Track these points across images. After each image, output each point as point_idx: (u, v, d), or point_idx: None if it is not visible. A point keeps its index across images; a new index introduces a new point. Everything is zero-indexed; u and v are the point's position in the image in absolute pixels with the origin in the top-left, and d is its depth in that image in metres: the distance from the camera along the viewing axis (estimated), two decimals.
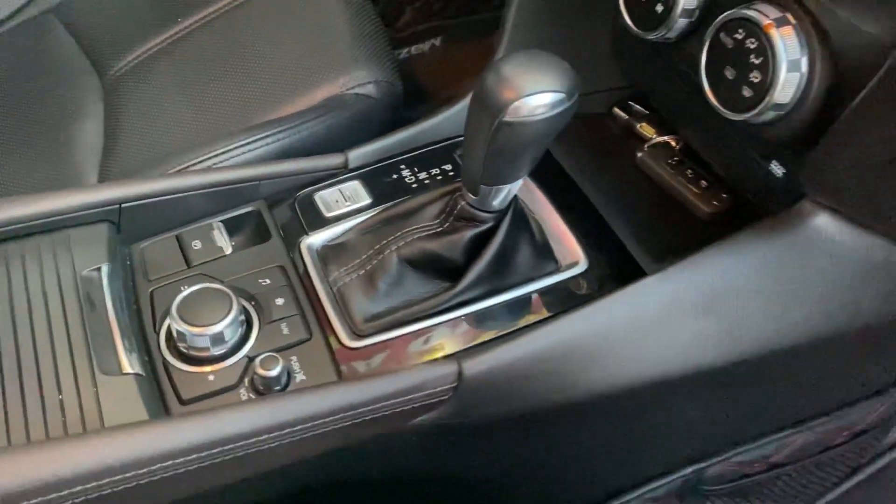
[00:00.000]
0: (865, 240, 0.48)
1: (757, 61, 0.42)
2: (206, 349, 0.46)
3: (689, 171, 0.59)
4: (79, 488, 0.37)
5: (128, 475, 0.38)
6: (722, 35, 0.44)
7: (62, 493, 0.37)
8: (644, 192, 0.58)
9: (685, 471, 0.67)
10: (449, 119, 0.62)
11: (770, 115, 0.42)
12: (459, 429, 0.49)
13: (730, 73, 0.44)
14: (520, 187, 0.50)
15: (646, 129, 0.62)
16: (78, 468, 0.37)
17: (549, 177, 0.59)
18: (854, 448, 0.73)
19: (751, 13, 0.42)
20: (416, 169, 0.59)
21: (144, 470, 0.39)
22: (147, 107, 0.77)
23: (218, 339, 0.46)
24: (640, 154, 0.61)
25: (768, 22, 0.41)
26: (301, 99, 0.70)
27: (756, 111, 0.42)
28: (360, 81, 0.70)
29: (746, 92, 0.43)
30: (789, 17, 0.40)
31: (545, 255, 0.52)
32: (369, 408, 0.44)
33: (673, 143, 0.61)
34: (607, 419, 0.54)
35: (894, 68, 0.39)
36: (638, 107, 0.64)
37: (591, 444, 0.58)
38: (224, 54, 0.76)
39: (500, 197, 0.48)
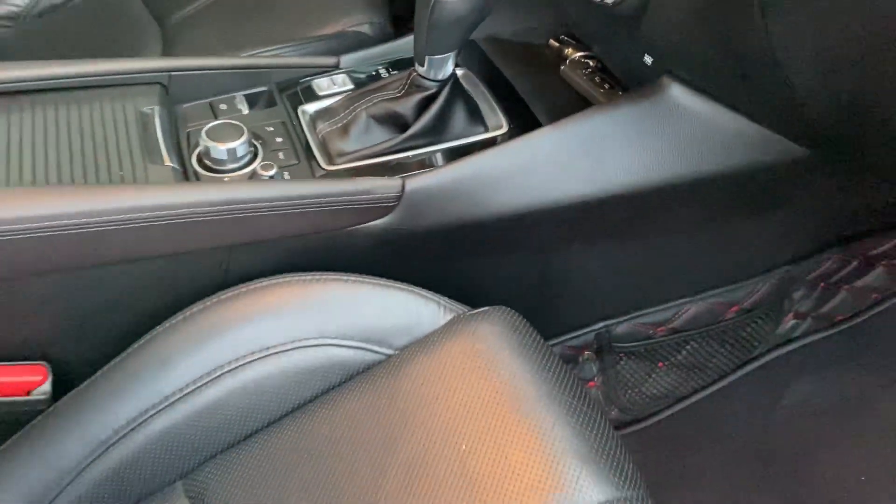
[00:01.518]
0: (707, 105, 0.66)
1: None
2: (224, 161, 0.66)
3: (598, 78, 0.77)
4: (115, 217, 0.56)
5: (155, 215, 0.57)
6: None
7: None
8: (560, 91, 0.77)
9: (597, 325, 0.83)
10: None
11: None
12: (404, 237, 0.67)
13: None
14: (468, 82, 0.69)
15: (570, 52, 0.81)
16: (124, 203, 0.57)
17: (492, 79, 0.77)
18: (749, 332, 0.89)
19: None
20: (390, 69, 0.78)
21: (166, 213, 0.58)
22: (197, 51, 0.99)
23: (232, 153, 0.65)
24: (563, 67, 0.79)
25: None
26: (314, 34, 0.90)
27: None
28: (358, 22, 0.90)
29: None
30: None
31: (476, 120, 0.71)
32: (329, 199, 0.62)
33: (590, 62, 0.80)
34: (523, 246, 0.71)
35: None
36: (567, 38, 0.83)
37: (509, 276, 0.74)
38: (259, 4, 0.97)
39: (441, 68, 0.67)
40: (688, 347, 0.87)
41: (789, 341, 0.93)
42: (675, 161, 0.67)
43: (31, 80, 0.69)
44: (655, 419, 0.91)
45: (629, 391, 0.88)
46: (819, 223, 0.82)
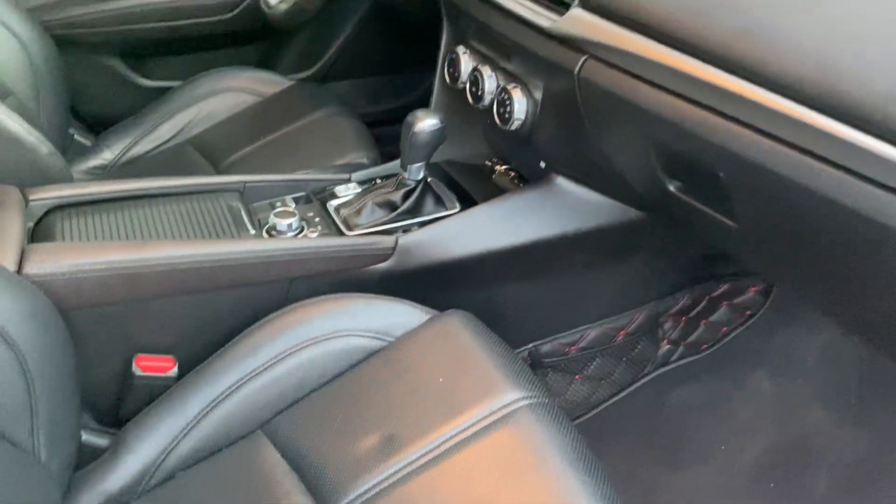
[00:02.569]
0: (579, 188, 1.09)
1: (509, 106, 1.05)
2: (284, 231, 1.05)
3: (516, 181, 1.20)
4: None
5: (245, 256, 0.96)
6: (498, 98, 1.08)
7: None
8: (492, 189, 1.19)
9: (529, 345, 1.21)
10: None
11: (517, 124, 1.05)
12: (399, 273, 1.06)
13: (503, 112, 1.08)
14: (434, 184, 1.13)
15: (498, 167, 1.25)
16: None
17: (450, 183, 1.20)
18: (637, 352, 1.27)
19: (509, 88, 1.06)
20: (382, 179, 1.20)
21: (254, 255, 0.97)
22: None
23: (289, 226, 1.05)
24: (493, 176, 1.23)
25: (512, 86, 1.05)
26: (331, 164, 1.34)
27: (511, 124, 1.05)
28: (359, 156, 1.34)
29: (508, 118, 1.06)
30: (518, 86, 1.04)
31: (440, 204, 1.12)
32: (349, 247, 1.02)
33: (511, 172, 1.23)
34: (474, 282, 1.10)
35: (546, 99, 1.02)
36: (495, 158, 1.27)
37: (466, 304, 1.13)
38: (287, 150, 1.42)
39: (417, 173, 1.09)
40: (595, 362, 1.25)
41: (669, 363, 1.31)
42: (561, 223, 1.09)
43: (152, 188, 1.09)
44: (577, 422, 1.27)
45: (557, 398, 1.24)
46: (669, 268, 1.23)
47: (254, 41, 1.75)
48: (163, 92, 1.64)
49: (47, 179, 1.07)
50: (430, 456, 0.82)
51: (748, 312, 1.33)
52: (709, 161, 0.78)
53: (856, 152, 0.62)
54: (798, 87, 0.66)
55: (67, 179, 1.10)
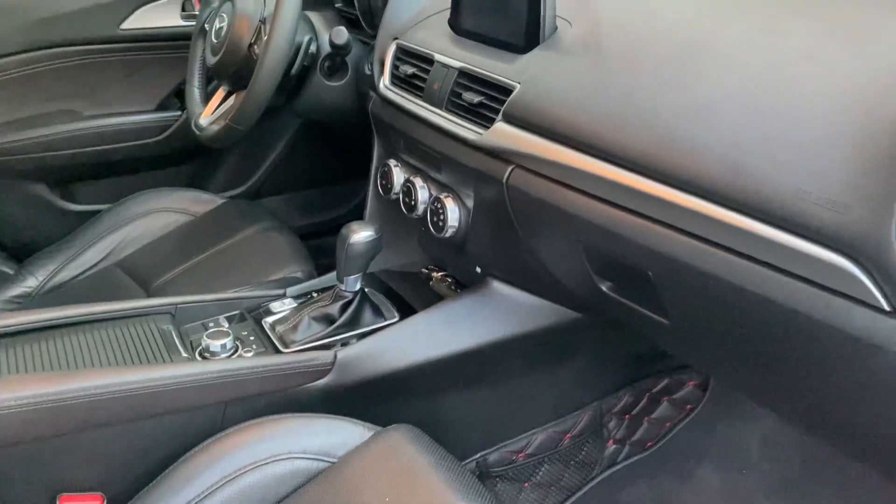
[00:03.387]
0: (515, 292, 1.10)
1: (442, 214, 1.07)
2: (218, 353, 1.02)
3: (453, 286, 1.21)
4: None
5: (177, 381, 0.93)
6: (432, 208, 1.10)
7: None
8: (431, 297, 1.20)
9: (476, 455, 1.18)
10: None
11: (451, 232, 1.06)
12: (340, 388, 1.03)
13: (436, 220, 1.09)
14: (372, 295, 1.12)
15: (435, 274, 1.26)
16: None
17: (389, 293, 1.20)
18: (584, 454, 1.26)
19: (441, 197, 1.08)
20: (318, 293, 1.19)
21: (188, 379, 0.93)
22: None
23: (223, 346, 1.02)
24: (431, 283, 1.23)
25: (444, 195, 1.08)
26: (266, 279, 1.32)
27: (445, 232, 1.07)
28: (294, 270, 1.33)
29: (442, 226, 1.08)
30: (450, 196, 1.07)
31: (378, 315, 1.12)
32: (286, 365, 0.99)
33: (448, 278, 1.24)
34: (416, 393, 1.08)
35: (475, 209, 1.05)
36: (432, 266, 1.28)
37: (407, 417, 1.10)
38: (222, 270, 1.40)
39: (354, 285, 1.09)
40: (543, 469, 1.23)
41: (617, 463, 1.30)
42: (500, 327, 1.09)
43: (78, 315, 1.05)
44: None
45: None
46: (609, 367, 1.24)
47: (184, 162, 1.76)
48: (90, 216, 1.61)
49: None
50: None
51: (689, 406, 1.34)
52: (637, 262, 0.81)
53: (766, 245, 0.66)
54: (713, 188, 0.70)
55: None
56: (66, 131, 1.60)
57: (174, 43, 1.64)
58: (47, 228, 1.62)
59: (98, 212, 1.61)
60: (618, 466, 1.30)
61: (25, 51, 1.54)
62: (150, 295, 1.41)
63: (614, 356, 1.24)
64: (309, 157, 1.80)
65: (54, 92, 1.59)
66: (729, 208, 0.69)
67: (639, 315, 0.90)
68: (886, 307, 0.60)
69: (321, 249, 1.58)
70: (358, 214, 1.48)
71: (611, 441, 1.29)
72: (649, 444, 1.33)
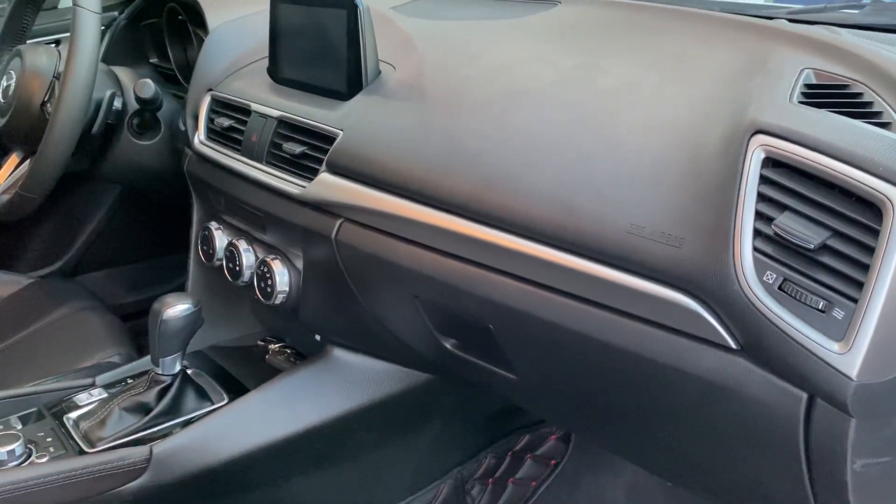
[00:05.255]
0: (358, 357, 1.01)
1: (270, 279, 0.97)
2: (6, 461, 0.85)
3: (293, 358, 1.10)
4: None
5: None
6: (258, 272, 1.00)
7: None
8: (268, 371, 1.08)
9: None
10: None
11: (281, 298, 0.96)
12: (160, 493, 0.89)
13: (264, 286, 0.99)
14: (196, 376, 0.99)
15: (272, 346, 1.14)
16: None
17: (217, 373, 1.07)
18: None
19: (268, 260, 0.98)
20: (134, 378, 1.05)
21: None
22: None
23: (11, 453, 0.86)
24: (267, 356, 1.12)
25: (271, 258, 0.98)
26: (73, 367, 1.15)
27: (274, 298, 0.96)
28: (110, 354, 1.17)
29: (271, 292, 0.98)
30: (278, 258, 0.97)
31: (204, 398, 0.98)
32: (89, 468, 0.84)
33: (287, 349, 1.13)
34: (261, 487, 0.96)
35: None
36: (269, 337, 1.17)
37: None
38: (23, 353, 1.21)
39: (172, 367, 0.96)
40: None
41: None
42: (345, 398, 0.99)
43: None
44: None
45: None
46: (467, 429, 1.16)
47: None
48: None
49: None
50: None
51: (553, 462, 1.28)
52: (476, 314, 0.74)
53: (604, 287, 0.61)
54: (545, 230, 0.65)
55: None
56: None
57: None
58: None
59: None
60: None
61: None
62: None
63: (471, 418, 1.16)
64: (131, 227, 1.63)
65: None
66: (563, 250, 0.64)
67: (487, 372, 0.83)
68: (734, 345, 0.56)
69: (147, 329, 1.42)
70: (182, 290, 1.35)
71: None
72: None
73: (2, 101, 1.14)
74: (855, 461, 0.52)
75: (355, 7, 0.89)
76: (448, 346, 0.85)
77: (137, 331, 1.31)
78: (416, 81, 0.88)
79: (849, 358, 0.49)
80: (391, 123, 0.84)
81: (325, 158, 0.87)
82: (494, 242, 0.68)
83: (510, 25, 0.97)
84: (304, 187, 0.89)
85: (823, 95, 0.61)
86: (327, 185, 0.87)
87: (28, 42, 1.30)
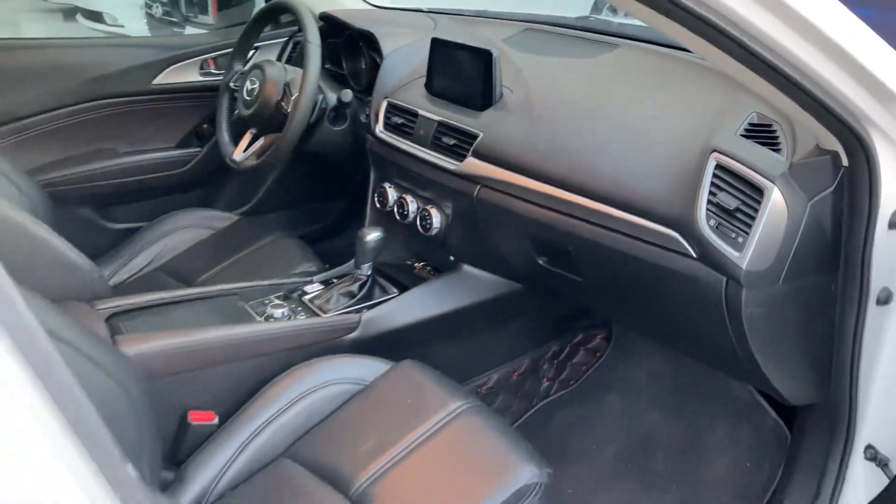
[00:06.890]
0: (479, 272, 1.60)
1: (429, 219, 1.57)
2: (280, 318, 1.48)
3: (431, 272, 1.70)
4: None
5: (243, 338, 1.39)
6: (421, 215, 1.60)
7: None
8: (417, 279, 1.68)
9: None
10: None
11: (435, 231, 1.57)
12: (366, 339, 1.50)
13: (425, 224, 1.59)
14: (378, 276, 1.61)
15: (417, 265, 1.74)
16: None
17: (388, 278, 1.67)
18: (527, 389, 1.77)
19: (427, 208, 1.58)
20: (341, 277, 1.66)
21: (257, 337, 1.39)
22: None
23: (283, 314, 1.48)
24: (415, 270, 1.72)
25: (429, 206, 1.57)
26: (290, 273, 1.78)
27: (431, 231, 1.57)
28: (308, 267, 1.80)
29: (429, 228, 1.58)
30: (434, 206, 1.57)
31: (384, 290, 1.59)
32: (325, 323, 1.46)
33: (427, 267, 1.73)
34: (417, 344, 1.57)
35: None
36: (416, 258, 1.77)
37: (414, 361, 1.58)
38: None
39: (367, 269, 1.57)
40: (499, 398, 1.73)
41: (550, 395, 1.82)
42: (467, 297, 1.60)
43: (178, 296, 1.49)
44: None
45: None
46: (541, 324, 1.76)
47: (199, 186, 2.18)
48: (126, 232, 2.02)
49: (92, 292, 1.44)
50: (408, 450, 1.26)
51: (598, 354, 1.88)
52: (561, 241, 1.33)
53: (633, 226, 1.19)
54: (604, 195, 1.23)
55: (106, 291, 1.47)
56: (106, 166, 2.01)
57: (192, 94, 2.08)
58: (93, 242, 2.01)
59: (132, 229, 2.02)
60: (551, 398, 1.82)
61: (77, 103, 1.95)
62: None
63: (545, 316, 1.76)
64: (296, 182, 2.25)
65: (97, 135, 2.00)
66: (612, 206, 1.22)
67: (563, 279, 1.41)
68: (694, 255, 1.14)
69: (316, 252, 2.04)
70: (335, 227, 1.97)
71: (545, 379, 1.81)
72: (571, 381, 1.85)
73: (248, 98, 1.75)
74: (746, 310, 1.10)
75: (491, 55, 1.46)
76: (541, 262, 1.44)
77: (314, 251, 1.94)
78: (526, 101, 1.46)
79: (743, 259, 1.07)
80: (513, 128, 1.43)
81: (472, 148, 1.46)
82: (574, 201, 1.27)
83: (585, 64, 1.54)
84: (457, 164, 1.48)
85: (756, 131, 1.17)
86: (472, 165, 1.45)
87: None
